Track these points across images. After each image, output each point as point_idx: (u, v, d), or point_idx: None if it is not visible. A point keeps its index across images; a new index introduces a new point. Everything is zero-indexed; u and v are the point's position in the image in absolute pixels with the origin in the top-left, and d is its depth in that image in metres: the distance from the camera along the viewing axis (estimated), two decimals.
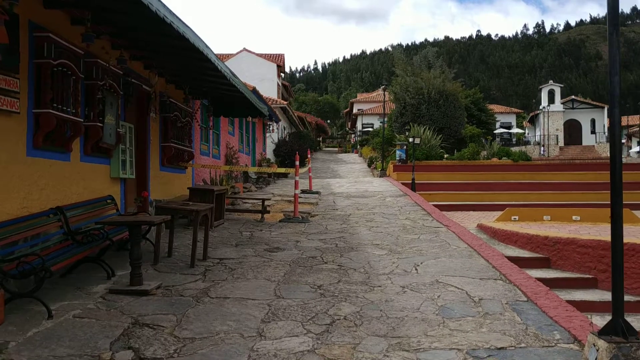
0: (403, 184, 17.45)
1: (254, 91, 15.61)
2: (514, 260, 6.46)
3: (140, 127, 8.43)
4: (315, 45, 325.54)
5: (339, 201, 13.18)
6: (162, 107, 9.00)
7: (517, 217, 8.88)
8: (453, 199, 16.97)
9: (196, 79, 9.04)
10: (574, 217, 8.73)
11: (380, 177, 21.90)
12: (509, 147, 27.60)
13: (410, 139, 19.90)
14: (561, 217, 8.80)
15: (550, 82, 47.71)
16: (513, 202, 16.76)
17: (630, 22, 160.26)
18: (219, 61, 6.90)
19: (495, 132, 37.10)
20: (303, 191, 15.17)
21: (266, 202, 12.73)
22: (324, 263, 6.43)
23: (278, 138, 27.28)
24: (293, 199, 11.37)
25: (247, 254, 7.03)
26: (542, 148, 40.31)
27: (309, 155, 17.07)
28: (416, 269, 6.02)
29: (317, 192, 15.03)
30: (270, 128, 24.48)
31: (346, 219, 10.29)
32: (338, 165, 29.96)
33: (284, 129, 31.21)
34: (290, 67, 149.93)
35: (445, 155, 23.05)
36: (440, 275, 5.68)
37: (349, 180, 20.09)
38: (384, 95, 27.58)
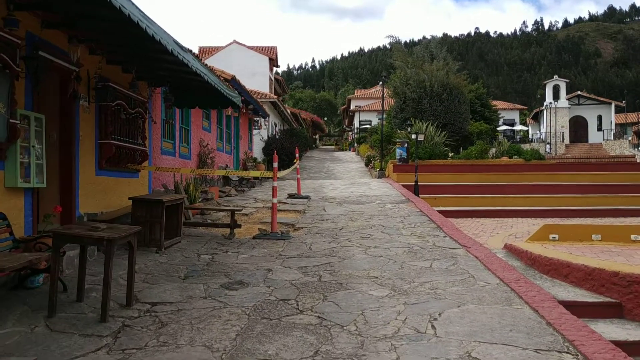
0: (404, 186, 15.49)
1: (233, 80, 13.60)
2: (569, 306, 4.52)
3: (64, 119, 6.44)
4: (313, 43, 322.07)
5: (331, 209, 11.20)
6: (99, 94, 7.01)
7: (557, 236, 6.92)
8: (461, 204, 15.05)
9: (142, 56, 7.07)
10: (632, 237, 6.75)
11: (378, 177, 19.95)
12: (518, 145, 25.63)
13: (413, 136, 17.90)
14: (615, 237, 6.82)
15: (555, 77, 45.78)
16: (529, 208, 14.86)
17: (629, 19, 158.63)
18: (153, 24, 4.92)
19: (498, 129, 35.11)
20: (290, 196, 13.24)
21: (245, 210, 10.79)
22: (299, 312, 4.47)
23: (268, 136, 25.25)
24: (279, 206, 9.48)
25: (195, 294, 5.07)
26: (547, 146, 38.32)
27: (297, 155, 15.04)
28: (433, 327, 4.05)
29: (306, 197, 13.06)
30: (258, 124, 22.44)
31: (337, 234, 8.32)
32: (334, 165, 27.97)
33: (275, 126, 29.17)
34: (288, 65, 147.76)
35: (450, 154, 21.06)
36: (471, 342, 3.71)
37: (344, 182, 18.10)
38: (383, 90, 25.60)
